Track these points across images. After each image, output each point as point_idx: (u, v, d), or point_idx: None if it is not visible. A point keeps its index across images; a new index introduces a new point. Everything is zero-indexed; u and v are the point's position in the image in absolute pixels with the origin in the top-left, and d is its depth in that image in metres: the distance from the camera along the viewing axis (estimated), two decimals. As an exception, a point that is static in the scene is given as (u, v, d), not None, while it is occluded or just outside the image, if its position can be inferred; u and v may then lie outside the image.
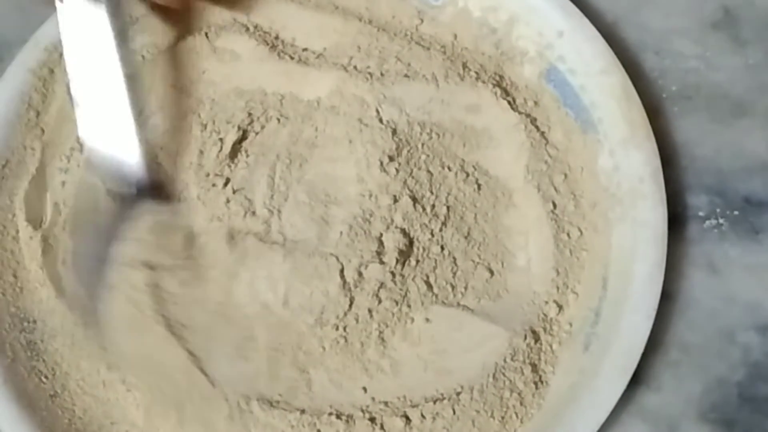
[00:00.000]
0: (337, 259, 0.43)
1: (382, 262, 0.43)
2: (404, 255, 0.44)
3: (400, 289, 0.43)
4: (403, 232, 0.44)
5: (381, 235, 0.44)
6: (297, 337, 0.43)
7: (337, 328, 0.43)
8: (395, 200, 0.44)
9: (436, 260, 0.44)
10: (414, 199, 0.44)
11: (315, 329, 0.43)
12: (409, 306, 0.43)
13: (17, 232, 0.46)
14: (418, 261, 0.44)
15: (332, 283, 0.43)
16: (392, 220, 0.44)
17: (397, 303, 0.43)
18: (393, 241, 0.43)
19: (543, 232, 0.45)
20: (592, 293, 0.44)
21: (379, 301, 0.43)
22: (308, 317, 0.43)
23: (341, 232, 0.43)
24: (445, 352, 0.43)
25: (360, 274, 0.43)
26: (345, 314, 0.43)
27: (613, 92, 0.46)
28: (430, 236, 0.44)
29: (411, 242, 0.44)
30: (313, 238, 0.44)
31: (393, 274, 0.43)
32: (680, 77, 0.49)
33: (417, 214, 0.44)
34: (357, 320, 0.43)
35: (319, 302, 0.43)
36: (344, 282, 0.43)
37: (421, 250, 0.44)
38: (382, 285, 0.43)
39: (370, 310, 0.43)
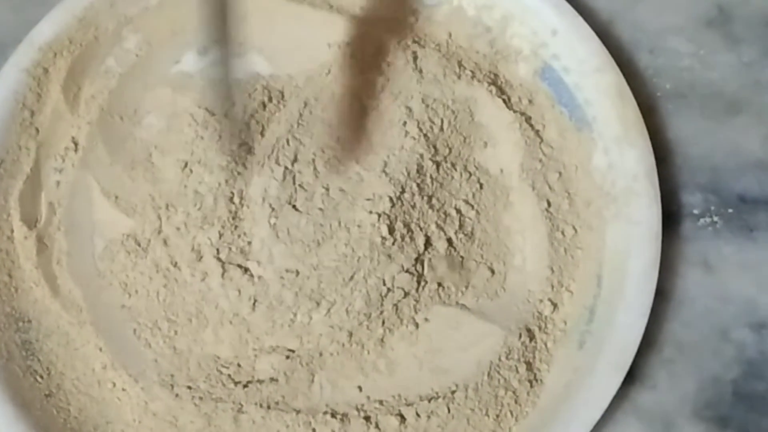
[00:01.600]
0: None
1: (410, 273, 0.43)
2: (439, 263, 0.43)
3: (416, 296, 0.43)
4: (427, 237, 0.43)
5: (417, 242, 0.43)
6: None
7: (347, 334, 0.43)
8: (424, 205, 0.44)
9: (447, 263, 0.44)
10: (429, 202, 0.44)
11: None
12: (417, 311, 0.43)
13: (12, 231, 0.46)
14: (434, 265, 0.44)
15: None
16: (420, 226, 0.43)
17: (410, 309, 0.43)
18: (427, 251, 0.43)
19: (538, 231, 0.45)
20: (587, 291, 0.44)
21: (397, 309, 0.43)
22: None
23: (379, 240, 0.43)
24: (440, 351, 0.43)
25: (389, 286, 0.42)
26: (359, 323, 0.43)
27: (607, 90, 0.46)
28: (444, 238, 0.44)
29: (431, 244, 0.44)
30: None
31: (418, 282, 0.43)
32: (674, 75, 0.49)
33: (433, 215, 0.44)
34: (368, 327, 0.43)
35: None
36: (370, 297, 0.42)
37: (438, 252, 0.44)
38: (406, 294, 0.43)
39: (384, 320, 0.43)
